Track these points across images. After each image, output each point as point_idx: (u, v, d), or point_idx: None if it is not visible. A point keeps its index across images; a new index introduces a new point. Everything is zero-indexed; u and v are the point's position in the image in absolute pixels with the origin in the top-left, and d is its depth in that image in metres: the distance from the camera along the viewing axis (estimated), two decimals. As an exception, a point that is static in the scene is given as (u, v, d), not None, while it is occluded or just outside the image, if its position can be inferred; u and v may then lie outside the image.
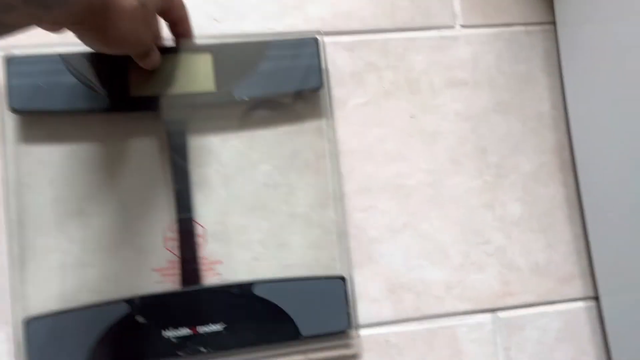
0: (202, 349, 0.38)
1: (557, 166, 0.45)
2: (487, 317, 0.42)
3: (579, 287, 0.44)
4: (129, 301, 0.37)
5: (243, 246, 0.40)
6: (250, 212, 0.41)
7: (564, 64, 0.44)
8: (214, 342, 0.38)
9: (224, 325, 0.38)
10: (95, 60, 0.39)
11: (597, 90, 0.40)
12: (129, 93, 0.39)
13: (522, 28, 0.46)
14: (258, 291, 0.39)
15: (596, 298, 0.43)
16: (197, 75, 0.40)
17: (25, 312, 0.37)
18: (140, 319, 0.37)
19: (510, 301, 0.43)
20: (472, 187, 0.44)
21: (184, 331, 0.38)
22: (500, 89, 0.45)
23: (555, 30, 0.46)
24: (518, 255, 0.43)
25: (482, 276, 0.43)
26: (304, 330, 0.39)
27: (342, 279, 0.40)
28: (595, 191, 0.42)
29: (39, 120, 0.39)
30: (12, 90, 0.38)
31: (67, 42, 0.34)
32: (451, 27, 0.45)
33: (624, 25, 0.37)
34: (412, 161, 0.43)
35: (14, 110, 0.38)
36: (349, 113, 0.43)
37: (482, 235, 0.43)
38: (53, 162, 0.39)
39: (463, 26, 0.45)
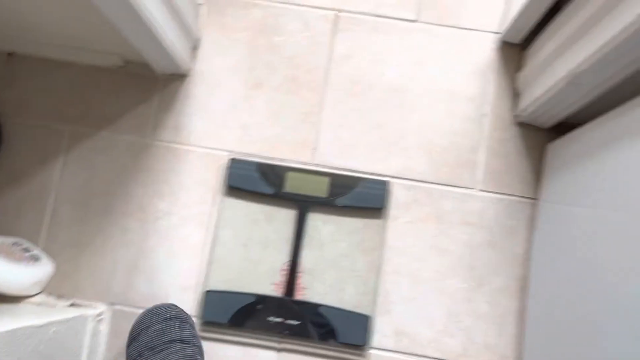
0: (286, 332, 0.72)
1: (516, 288, 0.73)
2: (449, 365, 0.71)
3: (511, 365, 0.71)
4: (257, 296, 0.72)
5: (321, 283, 0.74)
6: (330, 266, 0.74)
7: (536, 227, 0.72)
8: (292, 330, 0.72)
9: (299, 322, 0.72)
10: (270, 170, 0.75)
11: (551, 248, 0.68)
12: (284, 190, 0.75)
13: (517, 198, 0.75)
14: (321, 309, 0.72)
15: (519, 375, 0.70)
16: (319, 187, 0.75)
17: (206, 288, 0.73)
18: (259, 306, 0.72)
19: (465, 360, 0.71)
20: (460, 288, 0.73)
21: (279, 319, 0.72)
22: (494, 234, 0.74)
23: (537, 204, 0.74)
24: (479, 335, 0.72)
25: (453, 340, 0.72)
26: (340, 338, 0.71)
27: (368, 317, 0.72)
28: (538, 310, 0.69)
29: (239, 193, 0.76)
30: (230, 175, 0.75)
31: (262, 155, 0.71)
32: (472, 188, 0.75)
33: (588, 215, 0.65)
34: (427, 263, 0.74)
35: (229, 185, 0.75)
36: (397, 226, 0.75)
37: (459, 317, 0.72)
38: (238, 216, 0.76)
39: (481, 189, 0.75)
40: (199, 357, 0.62)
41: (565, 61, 0.59)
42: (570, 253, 0.62)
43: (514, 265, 0.73)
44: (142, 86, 0.79)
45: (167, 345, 0.60)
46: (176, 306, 0.67)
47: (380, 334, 0.72)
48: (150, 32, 0.62)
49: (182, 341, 0.61)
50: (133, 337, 0.63)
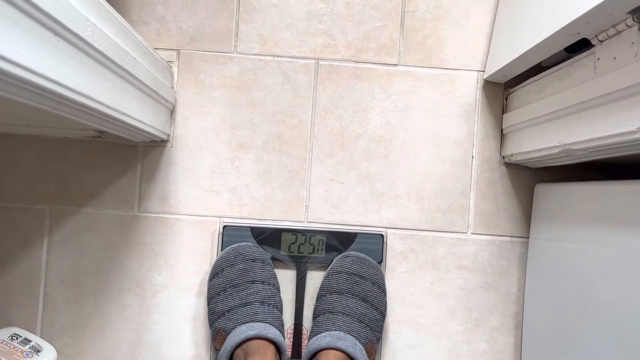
0: (297, 392, 0.74)
1: (512, 325, 0.76)
2: (453, 404, 0.75)
3: (511, 398, 0.75)
4: None
5: (326, 341, 0.75)
6: (332, 323, 0.75)
7: (528, 265, 0.75)
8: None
9: (310, 381, 0.74)
10: (266, 233, 0.74)
11: (543, 285, 0.71)
12: (281, 252, 0.75)
13: (508, 238, 0.77)
14: (330, 367, 0.74)
15: (519, 407, 0.75)
16: (315, 246, 0.75)
17: (213, 358, 0.74)
18: None
19: (468, 399, 0.75)
20: (459, 330, 0.76)
21: (290, 381, 0.74)
22: (488, 275, 0.77)
23: (528, 243, 0.76)
24: (479, 373, 0.76)
25: (455, 381, 0.76)
26: (351, 393, 0.74)
27: (376, 369, 0.75)
28: (533, 344, 0.73)
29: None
30: (225, 243, 0.74)
31: (254, 218, 0.71)
32: (465, 232, 0.77)
33: (577, 251, 0.67)
34: (427, 309, 0.76)
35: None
36: (395, 277, 0.76)
37: (460, 358, 0.76)
38: (236, 280, 0.75)
39: (473, 233, 0.77)
40: (277, 297, 0.70)
41: (558, 130, 0.59)
42: (561, 288, 0.65)
43: (509, 303, 0.77)
44: (120, 156, 0.76)
45: (249, 285, 0.68)
46: (258, 247, 0.72)
47: (388, 381, 0.76)
48: (123, 123, 0.56)
49: (263, 282, 0.69)
50: (216, 272, 0.70)
